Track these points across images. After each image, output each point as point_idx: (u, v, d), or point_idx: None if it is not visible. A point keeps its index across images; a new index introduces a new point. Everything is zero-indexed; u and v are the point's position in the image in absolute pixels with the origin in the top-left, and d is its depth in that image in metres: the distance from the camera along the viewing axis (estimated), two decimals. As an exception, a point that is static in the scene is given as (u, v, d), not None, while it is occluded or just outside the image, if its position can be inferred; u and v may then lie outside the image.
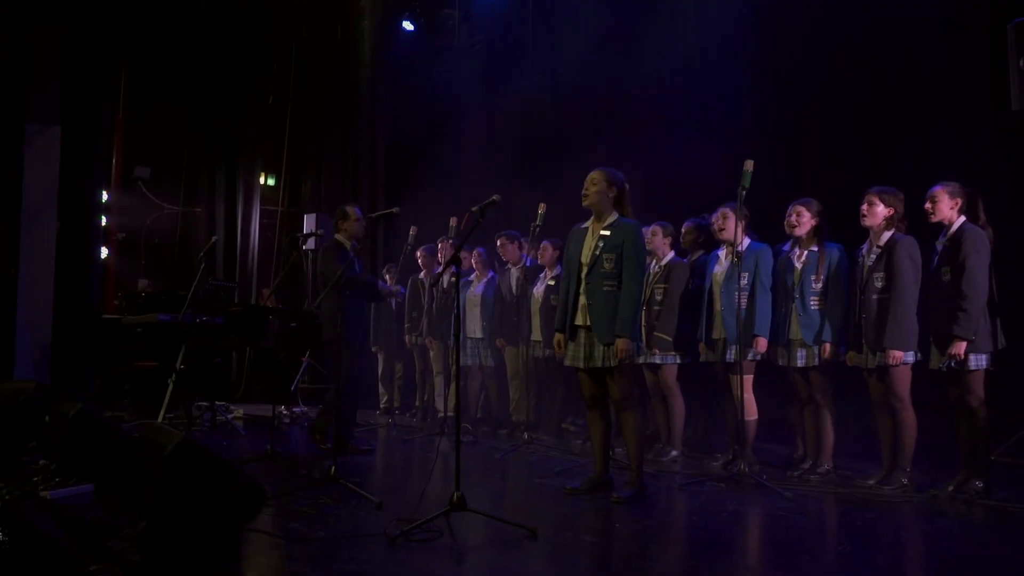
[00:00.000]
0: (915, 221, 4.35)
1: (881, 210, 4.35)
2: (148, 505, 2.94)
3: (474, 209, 3.64)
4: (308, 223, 8.31)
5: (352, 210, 5.58)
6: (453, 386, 7.06)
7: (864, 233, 4.45)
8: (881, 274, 4.27)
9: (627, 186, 4.15)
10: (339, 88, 9.92)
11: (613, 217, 4.10)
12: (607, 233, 4.06)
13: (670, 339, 5.10)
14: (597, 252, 4.04)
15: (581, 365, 4.09)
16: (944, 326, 4.01)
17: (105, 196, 9.00)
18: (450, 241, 6.33)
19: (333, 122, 10.00)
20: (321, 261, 5.53)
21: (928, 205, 4.19)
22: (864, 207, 4.38)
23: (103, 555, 2.98)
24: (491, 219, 6.28)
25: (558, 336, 4.18)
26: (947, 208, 4.15)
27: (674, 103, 6.56)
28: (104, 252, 9.04)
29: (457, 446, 3.52)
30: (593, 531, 3.48)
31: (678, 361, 5.17)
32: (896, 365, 4.16)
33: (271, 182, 10.64)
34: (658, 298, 5.21)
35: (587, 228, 4.18)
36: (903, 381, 4.20)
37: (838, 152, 5.67)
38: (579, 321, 4.09)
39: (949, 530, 3.56)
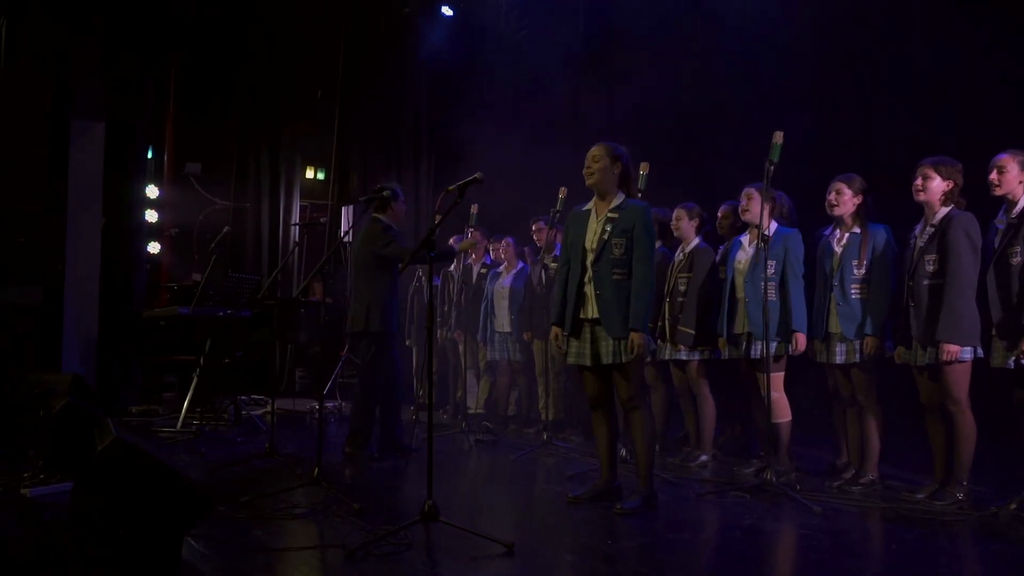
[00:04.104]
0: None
1: (938, 184, 3.78)
2: (82, 506, 2.76)
3: (451, 188, 3.30)
4: (346, 215, 8.14)
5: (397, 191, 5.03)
6: (483, 381, 6.79)
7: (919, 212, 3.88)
8: (934, 256, 3.71)
9: (630, 162, 3.74)
10: (383, 80, 9.74)
11: (619, 198, 3.70)
12: (615, 216, 3.65)
13: (692, 332, 4.62)
14: (605, 237, 3.64)
15: (588, 363, 3.69)
16: (1014, 316, 3.44)
17: (157, 192, 9.13)
18: (472, 228, 6.00)
19: (378, 115, 9.84)
20: (366, 242, 4.83)
21: (993, 175, 3.62)
22: (918, 181, 3.81)
23: (49, 555, 2.83)
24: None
25: (555, 330, 3.80)
26: (1015, 180, 3.59)
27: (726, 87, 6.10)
28: (157, 248, 9.17)
29: (429, 448, 3.21)
30: (579, 549, 3.10)
31: (701, 357, 4.66)
32: (951, 362, 3.60)
33: (320, 176, 10.59)
34: (681, 288, 4.73)
35: (589, 210, 3.78)
36: (960, 380, 3.63)
37: (892, 122, 5.07)
38: (587, 314, 3.69)
39: (1007, 555, 3.02)
